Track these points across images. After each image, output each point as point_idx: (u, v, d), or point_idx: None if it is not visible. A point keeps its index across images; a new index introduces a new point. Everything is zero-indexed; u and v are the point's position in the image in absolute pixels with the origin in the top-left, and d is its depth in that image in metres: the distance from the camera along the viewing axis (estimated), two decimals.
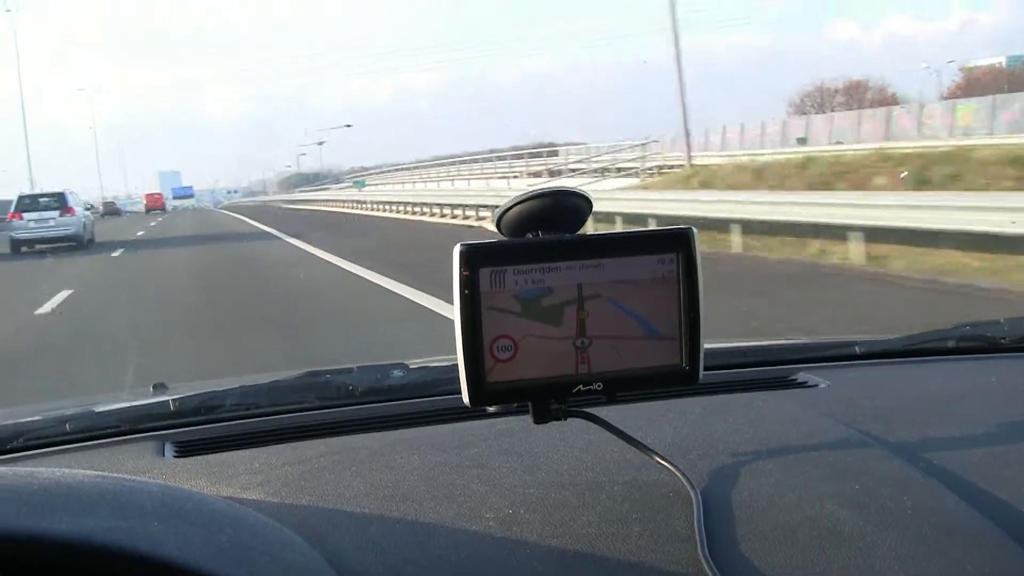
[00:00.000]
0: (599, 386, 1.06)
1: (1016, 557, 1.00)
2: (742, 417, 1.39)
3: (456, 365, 1.04)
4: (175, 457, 1.37)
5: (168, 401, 1.54)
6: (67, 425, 1.48)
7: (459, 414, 1.43)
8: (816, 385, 1.58)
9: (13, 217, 27.53)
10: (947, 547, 1.01)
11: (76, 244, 27.12)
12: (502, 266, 1.02)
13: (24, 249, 26.63)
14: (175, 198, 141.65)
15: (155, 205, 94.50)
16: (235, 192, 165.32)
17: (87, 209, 33.88)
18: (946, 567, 0.98)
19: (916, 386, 1.61)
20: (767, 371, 1.71)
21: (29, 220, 27.35)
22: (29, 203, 27.93)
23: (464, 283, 1.01)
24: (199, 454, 1.37)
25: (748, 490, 1.12)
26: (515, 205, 1.06)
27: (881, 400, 1.51)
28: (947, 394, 1.54)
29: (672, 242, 1.06)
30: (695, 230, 1.07)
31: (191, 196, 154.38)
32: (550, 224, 1.06)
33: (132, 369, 7.58)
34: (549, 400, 1.08)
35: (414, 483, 1.18)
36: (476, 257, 1.01)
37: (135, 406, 1.57)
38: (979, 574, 0.97)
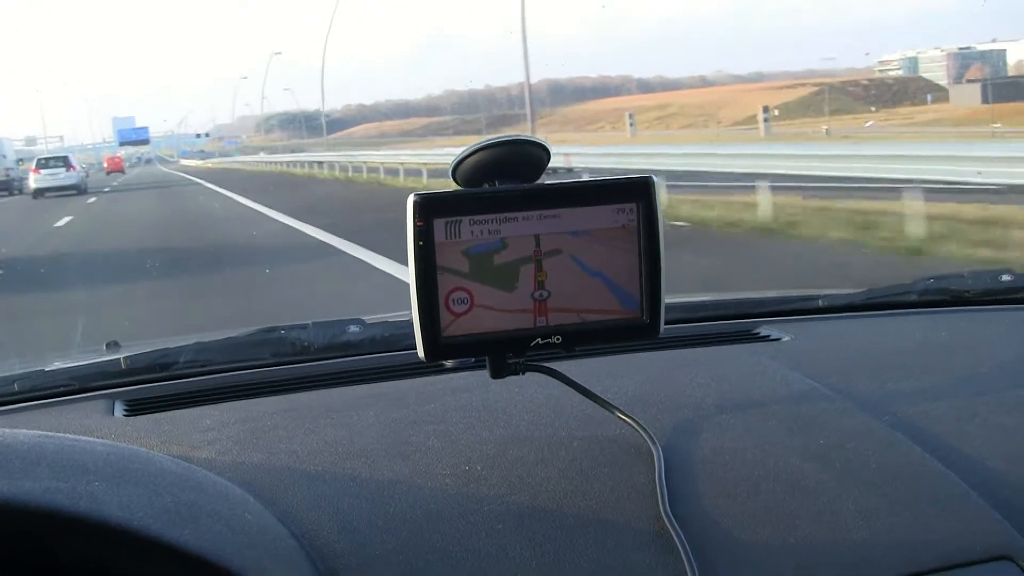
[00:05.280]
0: (558, 339, 1.03)
1: (979, 510, 0.99)
2: (704, 371, 1.37)
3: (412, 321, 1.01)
4: (125, 416, 1.34)
5: (119, 359, 1.51)
6: (15, 384, 1.45)
7: (415, 369, 1.41)
8: (779, 339, 1.57)
9: (34, 172, 38.72)
10: (911, 501, 1.00)
11: (77, 192, 37.71)
12: (457, 216, 0.99)
13: (38, 197, 36.54)
14: (122, 144, 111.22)
15: (115, 168, 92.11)
16: (205, 136, 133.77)
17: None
18: (910, 520, 0.97)
19: (880, 340, 1.60)
20: (729, 325, 1.69)
21: (45, 174, 38.21)
22: (44, 163, 39.77)
23: (418, 234, 0.98)
24: (150, 412, 1.34)
25: (710, 445, 1.11)
26: (471, 154, 1.03)
27: (845, 354, 1.50)
28: (911, 348, 1.54)
29: (632, 191, 1.03)
30: (655, 179, 1.04)
31: (146, 142, 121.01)
32: (507, 174, 1.03)
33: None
34: (507, 354, 1.06)
35: (369, 440, 1.16)
36: (430, 207, 0.98)
37: (85, 364, 1.53)
38: (943, 526, 0.96)
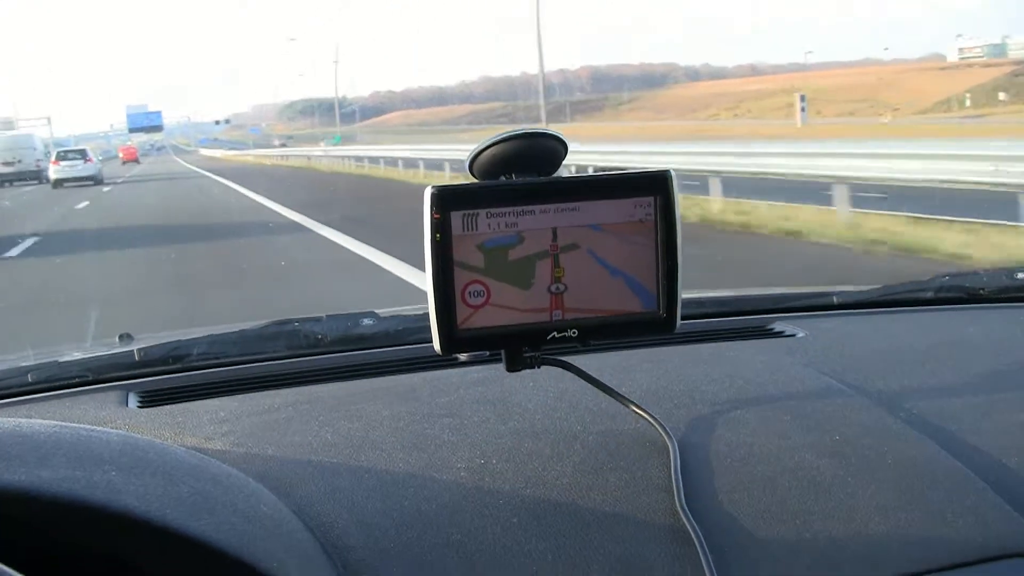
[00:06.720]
0: (574, 333, 1.03)
1: (995, 507, 0.99)
2: (719, 366, 1.37)
3: (427, 313, 1.01)
4: (139, 407, 1.34)
5: (133, 351, 1.51)
6: (29, 375, 1.45)
7: (430, 362, 1.41)
8: (794, 335, 1.56)
9: (54, 164, 41.66)
10: (927, 497, 1.00)
11: (93, 182, 40.66)
12: (474, 209, 0.99)
13: (57, 187, 39.54)
14: (132, 131, 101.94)
15: (130, 157, 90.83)
16: (225, 123, 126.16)
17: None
18: (926, 516, 0.97)
19: (895, 336, 1.60)
20: (744, 320, 1.69)
21: (64, 165, 41.23)
22: (64, 155, 43.27)
23: (435, 227, 0.98)
24: (163, 404, 1.34)
25: (726, 440, 1.10)
26: (488, 147, 1.03)
27: (860, 350, 1.49)
28: (926, 344, 1.53)
29: (650, 185, 1.03)
30: (673, 173, 1.04)
31: (159, 129, 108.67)
32: (524, 167, 1.03)
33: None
34: (522, 347, 1.05)
35: (384, 433, 1.16)
36: (447, 200, 0.98)
37: (99, 356, 1.54)
38: (959, 523, 0.96)
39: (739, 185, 14.56)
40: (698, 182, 14.67)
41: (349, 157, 41.57)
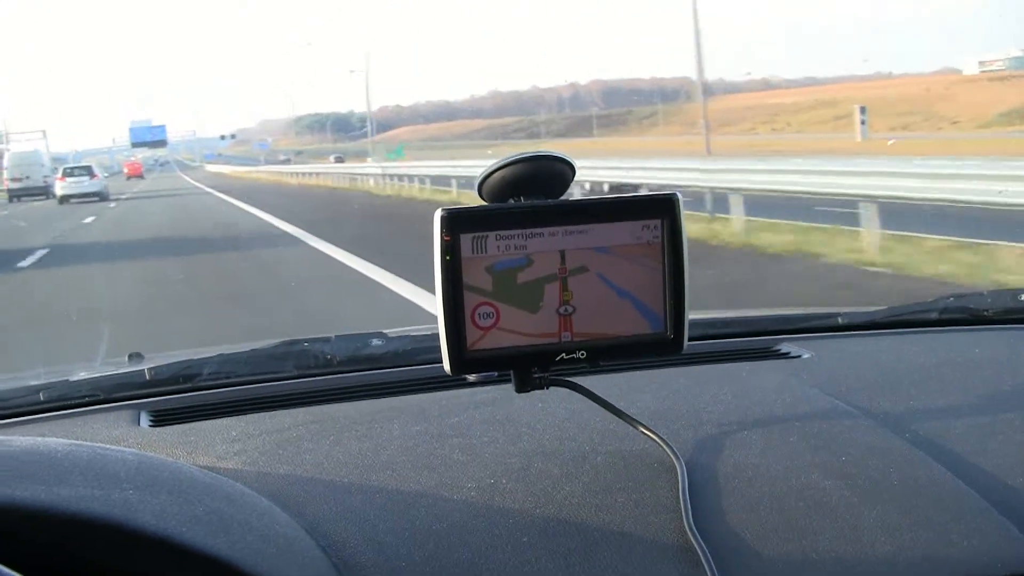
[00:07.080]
0: (582, 354, 1.04)
1: (1000, 526, 0.99)
2: (726, 387, 1.38)
3: (436, 334, 1.02)
4: (151, 426, 1.36)
5: (144, 370, 1.52)
6: (41, 394, 1.46)
7: (440, 383, 1.42)
8: (800, 356, 1.57)
9: (60, 180, 42.56)
10: (933, 517, 1.00)
11: (99, 198, 40.92)
12: (484, 232, 1.00)
13: (64, 202, 40.33)
14: (135, 146, 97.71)
15: (134, 173, 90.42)
16: (231, 137, 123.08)
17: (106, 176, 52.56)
18: (932, 537, 0.97)
19: (900, 357, 1.60)
20: (750, 342, 1.70)
21: (70, 181, 42.13)
22: (70, 171, 44.31)
23: (445, 249, 0.99)
24: (175, 423, 1.35)
25: (733, 460, 1.11)
26: (497, 170, 1.04)
27: (866, 371, 1.50)
28: (931, 365, 1.54)
29: (657, 208, 1.04)
30: (680, 196, 1.05)
31: (163, 144, 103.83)
32: (533, 190, 1.04)
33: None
34: (531, 368, 1.06)
35: (394, 452, 1.17)
36: (457, 222, 0.99)
37: (110, 375, 1.55)
38: (964, 544, 0.97)
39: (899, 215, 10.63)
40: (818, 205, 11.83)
41: (423, 176, 28.22)
